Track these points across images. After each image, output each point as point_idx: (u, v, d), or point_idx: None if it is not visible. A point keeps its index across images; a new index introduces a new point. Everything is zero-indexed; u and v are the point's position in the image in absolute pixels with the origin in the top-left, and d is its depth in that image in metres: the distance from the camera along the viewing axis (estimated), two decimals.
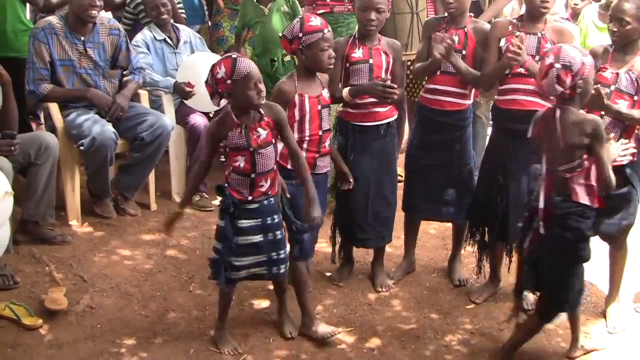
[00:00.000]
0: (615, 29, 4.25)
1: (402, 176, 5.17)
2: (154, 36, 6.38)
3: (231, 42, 7.17)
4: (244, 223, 4.01)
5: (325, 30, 4.27)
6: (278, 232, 4.10)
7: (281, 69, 6.44)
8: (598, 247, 5.00)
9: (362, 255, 5.18)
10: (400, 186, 5.03)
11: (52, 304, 4.50)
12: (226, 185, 4.01)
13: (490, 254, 4.85)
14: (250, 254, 4.06)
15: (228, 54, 3.99)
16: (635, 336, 4.50)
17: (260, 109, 3.94)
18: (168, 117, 5.98)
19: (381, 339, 4.40)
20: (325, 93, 4.40)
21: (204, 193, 6.11)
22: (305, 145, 4.33)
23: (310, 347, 4.29)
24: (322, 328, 4.34)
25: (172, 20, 6.50)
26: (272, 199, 4.06)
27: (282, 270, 4.18)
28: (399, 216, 5.06)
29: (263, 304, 4.73)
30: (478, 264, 4.94)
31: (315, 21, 4.27)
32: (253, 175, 3.96)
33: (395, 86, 4.55)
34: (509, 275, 4.91)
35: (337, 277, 4.98)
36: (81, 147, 5.50)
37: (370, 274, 5.03)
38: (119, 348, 4.23)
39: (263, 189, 4.00)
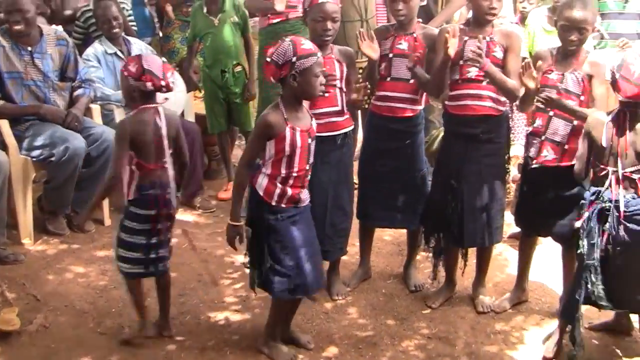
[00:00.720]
0: (575, 38, 4.30)
1: (357, 184, 5.18)
2: (105, 50, 6.33)
3: (182, 53, 7.15)
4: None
5: (319, 54, 3.95)
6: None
7: (232, 80, 6.44)
8: (551, 248, 5.08)
9: None
10: (355, 194, 5.04)
11: (4, 325, 4.43)
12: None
13: (445, 259, 4.88)
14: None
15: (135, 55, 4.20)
16: (588, 334, 4.53)
17: None
18: (110, 131, 5.91)
19: (338, 347, 4.40)
20: (314, 124, 4.13)
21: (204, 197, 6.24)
22: (290, 182, 4.01)
23: (266, 358, 4.28)
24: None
25: (123, 33, 6.46)
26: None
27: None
28: (354, 224, 5.07)
29: (219, 316, 4.71)
30: (433, 270, 4.96)
31: (307, 44, 3.93)
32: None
33: (329, 75, 4.45)
34: (463, 279, 4.96)
35: None
36: (52, 159, 5.48)
37: (326, 282, 5.03)
38: None
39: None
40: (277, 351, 4.27)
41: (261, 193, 3.98)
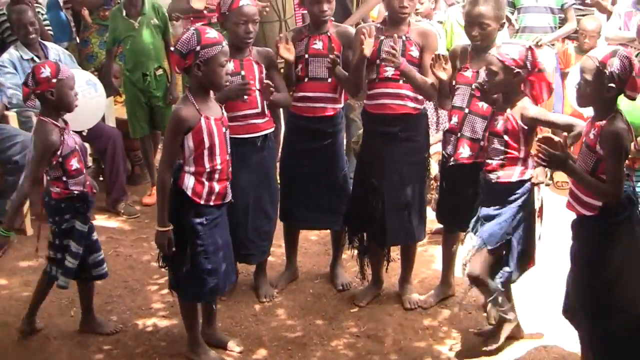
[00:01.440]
0: (476, 34, 4.36)
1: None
2: (21, 55, 6.20)
3: (101, 57, 7.07)
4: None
5: (224, 43, 3.91)
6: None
7: (154, 83, 6.38)
8: None
9: (245, 266, 5.16)
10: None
11: None
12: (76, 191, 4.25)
13: (370, 258, 4.92)
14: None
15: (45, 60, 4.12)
16: (553, 334, 4.62)
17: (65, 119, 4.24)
18: None
19: (268, 349, 4.41)
20: (225, 113, 4.09)
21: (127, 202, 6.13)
22: (216, 176, 3.97)
23: None
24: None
25: (39, 39, 6.34)
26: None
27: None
28: (279, 225, 5.08)
29: (147, 322, 4.67)
30: (360, 269, 4.98)
31: (212, 33, 3.88)
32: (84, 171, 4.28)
33: (247, 81, 4.47)
34: (390, 276, 5.01)
35: None
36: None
37: (254, 284, 5.03)
38: None
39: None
40: (205, 356, 4.25)
41: (189, 194, 3.92)
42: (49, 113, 4.18)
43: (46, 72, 4.09)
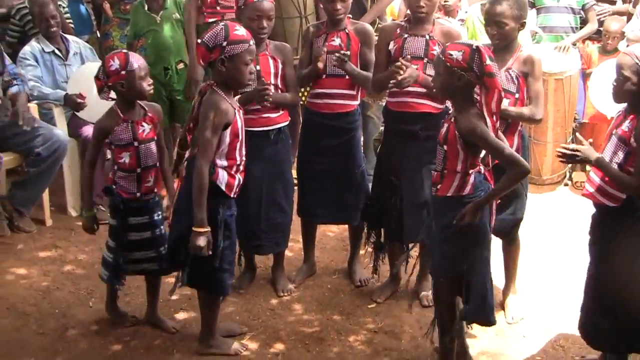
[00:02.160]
0: (494, 32, 4.34)
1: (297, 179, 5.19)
2: (42, 48, 6.23)
3: None
4: (134, 220, 4.23)
5: (251, 42, 3.88)
6: (162, 227, 4.35)
7: (175, 77, 6.40)
8: (493, 241, 5.15)
9: (263, 260, 5.18)
10: (295, 190, 5.06)
11: None
12: (113, 185, 4.19)
13: (388, 254, 4.92)
14: (140, 249, 4.29)
15: (118, 50, 4.25)
16: (532, 325, 4.65)
17: (144, 106, 4.19)
18: (60, 131, 5.85)
19: (285, 344, 4.41)
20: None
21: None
22: (241, 168, 4.00)
23: (213, 357, 4.26)
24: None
25: (60, 31, 6.37)
26: (157, 196, 4.31)
27: (165, 266, 4.32)
28: (297, 220, 5.09)
29: (165, 315, 4.66)
30: (374, 264, 5.00)
31: (241, 30, 3.88)
32: (139, 170, 4.19)
33: (267, 84, 4.50)
34: (408, 274, 4.99)
35: (239, 284, 4.93)
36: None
37: (271, 279, 5.04)
38: None
39: (149, 185, 4.24)
40: (223, 344, 4.28)
41: (224, 188, 3.91)
42: (120, 102, 4.19)
43: (115, 64, 4.07)
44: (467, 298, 3.86)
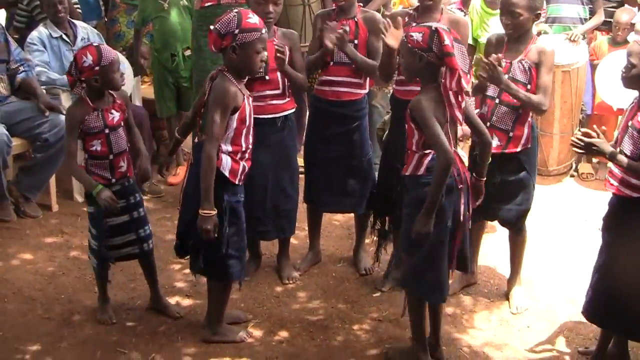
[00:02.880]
0: (509, 22, 4.34)
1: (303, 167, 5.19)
2: (50, 33, 6.23)
3: (128, 37, 7.07)
4: None
5: (264, 30, 3.89)
6: (141, 210, 4.43)
7: (182, 64, 6.39)
8: (499, 232, 5.16)
9: (268, 247, 5.19)
10: (302, 178, 5.06)
11: None
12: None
13: (394, 243, 4.92)
14: (120, 233, 4.34)
15: (88, 44, 4.33)
16: (536, 315, 4.65)
17: (112, 93, 4.22)
18: None
19: (289, 331, 4.43)
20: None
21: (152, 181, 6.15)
22: (246, 155, 4.01)
23: (218, 345, 4.27)
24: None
25: (68, 17, 6.36)
26: (131, 179, 4.37)
27: (151, 246, 4.49)
28: (303, 208, 5.10)
29: (170, 301, 4.68)
30: (376, 253, 5.02)
31: (254, 18, 3.87)
32: (111, 157, 4.24)
33: (282, 46, 4.51)
34: None
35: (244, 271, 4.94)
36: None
37: (277, 266, 5.05)
38: (24, 355, 4.16)
39: (122, 170, 4.30)
40: (229, 332, 4.30)
41: (227, 174, 3.91)
42: (89, 92, 4.19)
43: (88, 60, 4.06)
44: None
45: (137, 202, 4.40)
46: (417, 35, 3.69)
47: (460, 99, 3.71)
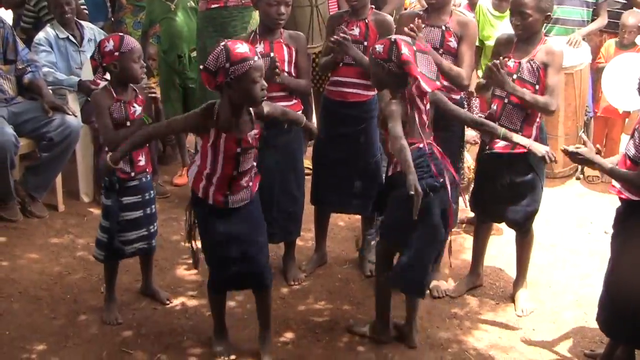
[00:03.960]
0: (518, 23, 4.34)
1: (310, 169, 5.19)
2: (57, 34, 6.24)
3: (134, 38, 7.05)
4: (126, 200, 4.33)
5: (256, 58, 3.64)
6: (153, 207, 4.50)
7: (188, 66, 6.39)
8: (506, 234, 5.16)
9: (274, 249, 5.17)
10: (309, 179, 5.06)
11: None
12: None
13: None
14: (133, 228, 4.40)
15: (114, 33, 4.30)
16: (542, 318, 4.64)
17: (135, 88, 4.34)
18: (73, 117, 5.87)
19: (295, 333, 4.42)
20: (253, 134, 3.82)
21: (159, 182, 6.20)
22: (213, 180, 3.87)
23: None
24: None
25: (75, 18, 6.38)
26: (149, 175, 4.44)
27: (155, 243, 4.58)
28: (309, 209, 5.10)
29: (175, 302, 4.70)
30: None
31: (242, 47, 3.64)
32: None
33: (275, 59, 4.48)
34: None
35: None
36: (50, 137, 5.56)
37: (282, 268, 5.05)
38: (29, 354, 4.16)
39: (142, 164, 4.35)
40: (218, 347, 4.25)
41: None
42: (114, 84, 4.28)
43: (109, 45, 4.18)
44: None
45: (151, 199, 4.46)
46: (379, 47, 3.96)
47: (424, 102, 4.00)
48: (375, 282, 4.36)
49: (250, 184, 3.96)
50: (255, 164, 3.97)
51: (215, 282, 4.10)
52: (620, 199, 3.85)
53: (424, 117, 4.01)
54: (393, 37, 3.98)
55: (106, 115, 4.23)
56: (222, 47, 3.64)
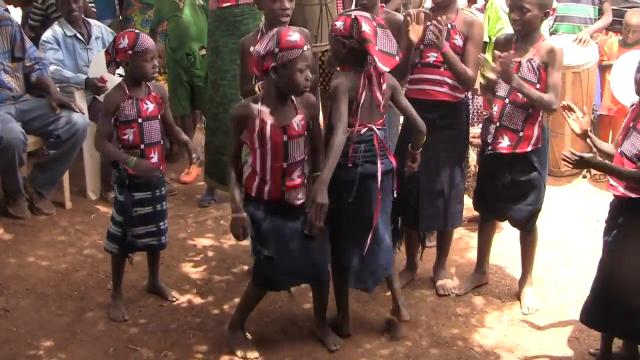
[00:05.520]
0: (517, 18, 4.33)
1: None
2: (65, 32, 6.26)
3: None
4: (138, 195, 4.39)
5: (305, 48, 3.75)
6: (164, 203, 4.54)
7: (197, 64, 6.41)
8: (510, 232, 5.16)
9: None
10: None
11: None
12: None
13: (406, 242, 4.93)
14: (142, 223, 4.44)
15: (130, 30, 4.39)
16: (547, 316, 4.65)
17: (149, 84, 4.38)
18: (80, 114, 5.88)
19: (301, 330, 4.43)
20: (298, 121, 3.89)
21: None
22: (268, 178, 3.92)
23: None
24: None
25: (83, 16, 6.39)
26: (161, 173, 4.49)
27: (165, 240, 4.58)
28: None
29: (182, 299, 4.72)
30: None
31: (294, 36, 3.73)
32: (142, 147, 4.32)
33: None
34: (424, 262, 5.01)
35: None
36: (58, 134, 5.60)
37: None
38: (37, 350, 4.18)
39: (153, 162, 4.36)
40: (238, 342, 4.23)
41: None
42: (127, 79, 4.33)
43: (124, 42, 4.23)
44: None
45: (162, 195, 4.51)
46: (339, 24, 3.94)
47: (382, 80, 4.02)
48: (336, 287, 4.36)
49: (305, 181, 4.03)
50: (305, 157, 4.02)
51: (266, 277, 4.07)
52: (616, 196, 3.86)
53: (379, 96, 4.03)
54: (354, 13, 3.96)
55: (107, 120, 4.30)
56: (274, 33, 3.77)
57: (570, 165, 3.79)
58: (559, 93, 4.39)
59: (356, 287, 4.30)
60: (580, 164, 3.79)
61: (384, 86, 4.03)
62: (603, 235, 3.99)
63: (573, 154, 3.74)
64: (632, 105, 3.86)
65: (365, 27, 3.84)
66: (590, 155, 3.78)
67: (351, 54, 3.94)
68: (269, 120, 3.82)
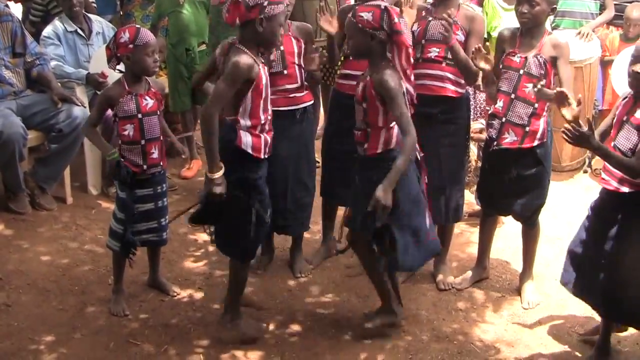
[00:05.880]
0: (525, 11, 4.31)
1: (319, 162, 5.20)
2: (65, 28, 6.27)
3: None
4: (139, 192, 4.39)
5: (286, 3, 4.02)
6: (165, 199, 4.55)
7: (197, 59, 6.41)
8: (512, 227, 5.16)
9: (281, 242, 5.21)
10: (319, 172, 5.08)
11: None
12: (121, 159, 4.29)
13: None
14: (144, 220, 4.45)
15: (131, 24, 4.39)
16: (547, 310, 4.66)
17: (149, 81, 4.39)
18: (81, 108, 5.88)
19: (302, 325, 4.44)
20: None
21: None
22: (266, 127, 3.98)
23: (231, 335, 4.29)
24: None
25: (83, 11, 6.39)
26: (163, 170, 4.49)
27: (166, 236, 4.61)
28: (317, 201, 5.11)
29: (183, 293, 4.72)
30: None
31: None
32: (143, 142, 4.32)
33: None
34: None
35: (257, 265, 4.95)
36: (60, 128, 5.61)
37: (289, 260, 5.07)
38: (38, 345, 4.19)
39: (154, 157, 4.38)
40: (245, 325, 4.27)
41: (251, 151, 3.91)
42: (127, 75, 4.33)
43: (125, 36, 4.22)
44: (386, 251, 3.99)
45: (163, 192, 4.52)
46: (367, 15, 3.79)
47: (409, 73, 3.92)
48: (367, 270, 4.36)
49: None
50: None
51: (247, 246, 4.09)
52: (609, 190, 3.90)
53: (410, 88, 3.98)
54: (382, 4, 3.85)
55: (99, 109, 4.36)
56: None
57: (570, 140, 3.74)
58: (572, 86, 4.37)
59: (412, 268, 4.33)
60: (580, 140, 3.71)
61: (412, 77, 4.00)
62: (588, 215, 4.15)
63: (575, 127, 3.68)
64: (625, 98, 3.86)
65: (397, 18, 3.78)
66: (590, 133, 3.71)
67: (378, 47, 3.85)
68: (265, 67, 3.93)
